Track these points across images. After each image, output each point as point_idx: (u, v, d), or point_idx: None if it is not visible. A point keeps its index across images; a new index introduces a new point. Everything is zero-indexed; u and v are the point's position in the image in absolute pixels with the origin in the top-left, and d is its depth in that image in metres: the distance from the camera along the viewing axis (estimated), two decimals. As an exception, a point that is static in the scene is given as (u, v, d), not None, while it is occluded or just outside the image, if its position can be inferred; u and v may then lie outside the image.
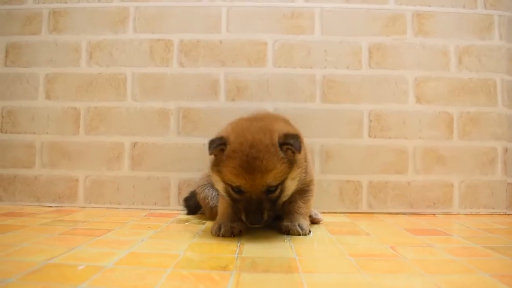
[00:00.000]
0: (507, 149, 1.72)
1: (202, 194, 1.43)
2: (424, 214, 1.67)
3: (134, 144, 1.69)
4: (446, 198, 1.69)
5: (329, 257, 1.04)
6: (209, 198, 1.39)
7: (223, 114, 1.69)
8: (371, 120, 1.69)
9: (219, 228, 1.21)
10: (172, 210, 1.68)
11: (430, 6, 1.74)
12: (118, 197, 1.69)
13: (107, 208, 1.69)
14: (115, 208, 1.69)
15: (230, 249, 1.08)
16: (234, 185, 1.14)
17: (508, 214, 1.71)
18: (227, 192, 1.18)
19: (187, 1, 1.73)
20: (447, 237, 1.28)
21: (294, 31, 1.71)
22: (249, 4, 1.72)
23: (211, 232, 1.25)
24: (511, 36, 1.75)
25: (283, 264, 0.95)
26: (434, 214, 1.69)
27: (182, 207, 1.66)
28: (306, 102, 1.69)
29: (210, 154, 1.19)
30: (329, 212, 1.63)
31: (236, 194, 1.16)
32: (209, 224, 1.42)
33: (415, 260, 0.99)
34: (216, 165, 1.17)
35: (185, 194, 1.69)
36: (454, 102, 1.72)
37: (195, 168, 1.67)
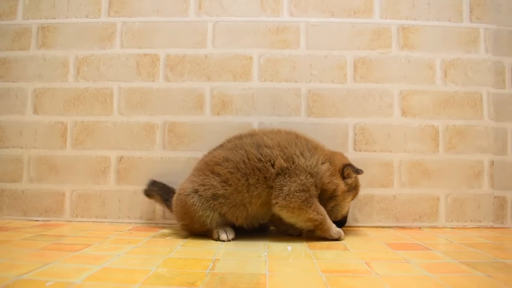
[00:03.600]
0: (493, 162, 1.71)
1: (189, 201, 1.41)
2: (410, 228, 1.66)
3: (120, 158, 1.70)
4: (432, 212, 1.69)
5: (301, 273, 1.04)
6: (198, 206, 1.39)
7: (208, 128, 1.70)
8: (356, 134, 1.69)
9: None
10: (158, 224, 1.68)
11: (415, 20, 1.74)
12: (104, 211, 1.70)
13: (93, 222, 1.70)
14: (101, 222, 1.69)
15: (203, 265, 1.08)
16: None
17: (495, 228, 1.71)
18: (349, 205, 1.52)
19: (173, 16, 1.74)
20: (427, 252, 1.28)
21: (280, 46, 1.72)
22: (235, 19, 1.73)
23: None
24: (497, 49, 1.75)
25: (252, 281, 0.95)
26: (420, 228, 1.68)
27: (163, 220, 1.68)
28: (291, 116, 1.69)
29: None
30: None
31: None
32: (189, 241, 1.42)
33: (386, 277, 0.99)
34: (355, 188, 1.51)
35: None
36: (439, 115, 1.71)
37: (180, 182, 1.66)
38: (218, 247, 1.31)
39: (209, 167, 1.43)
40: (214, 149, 1.50)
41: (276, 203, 1.35)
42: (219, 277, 0.98)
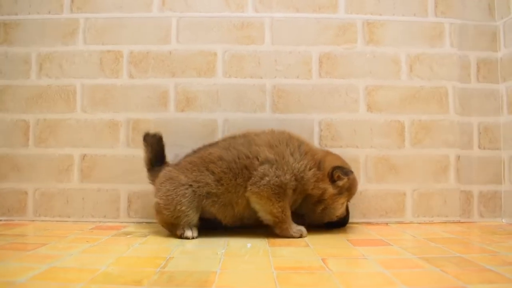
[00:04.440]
0: (459, 156, 1.71)
1: (181, 191, 1.39)
2: (377, 224, 1.66)
3: (84, 156, 1.68)
4: (398, 207, 1.69)
5: (253, 270, 1.03)
6: (186, 201, 1.38)
7: (172, 125, 1.68)
8: (322, 130, 1.69)
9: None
10: (122, 222, 1.66)
11: (381, 15, 1.74)
12: (68, 210, 1.67)
13: (56, 221, 1.67)
14: (65, 221, 1.67)
15: (156, 263, 1.07)
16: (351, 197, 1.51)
17: (462, 222, 1.71)
18: (345, 207, 1.51)
19: (137, 12, 1.72)
20: (387, 247, 1.27)
21: (245, 41, 1.70)
22: (199, 15, 1.71)
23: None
24: (463, 44, 1.75)
25: (201, 278, 0.94)
26: (387, 224, 1.68)
27: (128, 218, 1.69)
28: (256, 112, 1.68)
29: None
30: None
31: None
32: (150, 238, 1.42)
33: (339, 273, 0.98)
34: (348, 190, 1.48)
35: (136, 206, 1.68)
36: (405, 110, 1.71)
37: (145, 180, 1.64)
38: (177, 245, 1.29)
39: (204, 163, 1.41)
40: (210, 145, 1.48)
41: (250, 189, 1.36)
42: (167, 275, 0.96)
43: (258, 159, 1.37)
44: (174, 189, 1.37)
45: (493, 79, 1.77)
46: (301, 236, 1.42)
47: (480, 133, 1.75)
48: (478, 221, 1.74)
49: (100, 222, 1.68)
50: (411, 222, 1.70)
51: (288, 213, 1.38)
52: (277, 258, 1.14)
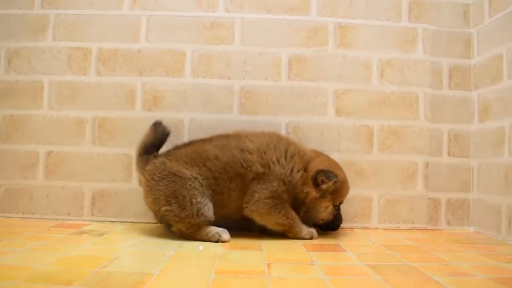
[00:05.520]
0: (428, 163, 1.70)
1: (190, 184, 1.36)
2: (343, 229, 1.63)
3: (49, 153, 1.67)
4: (364, 213, 1.67)
5: (191, 274, 1.02)
6: (199, 192, 1.36)
7: (139, 124, 1.67)
8: (289, 132, 1.68)
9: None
10: (85, 221, 1.65)
11: (353, 18, 1.72)
12: (32, 207, 1.66)
13: (20, 218, 1.66)
14: (29, 218, 1.66)
15: (97, 263, 1.06)
16: (340, 202, 1.52)
17: (429, 230, 1.69)
18: (330, 211, 1.48)
19: (107, 9, 1.71)
20: (340, 253, 1.26)
21: (214, 41, 1.69)
22: (170, 14, 1.70)
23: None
24: (435, 50, 1.73)
25: (135, 280, 0.93)
26: (352, 229, 1.66)
27: (91, 217, 1.69)
28: (223, 113, 1.66)
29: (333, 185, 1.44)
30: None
31: (335, 210, 1.49)
32: (106, 237, 1.40)
33: (277, 279, 0.98)
34: (333, 194, 1.46)
35: (100, 205, 1.67)
36: (375, 115, 1.70)
37: (109, 179, 1.64)
38: (128, 246, 1.28)
39: (201, 159, 1.39)
40: (202, 141, 1.47)
41: (246, 207, 1.38)
42: (103, 276, 0.95)
43: (251, 171, 1.38)
44: (182, 186, 1.34)
45: (465, 87, 1.76)
46: (311, 238, 1.46)
47: (450, 140, 1.73)
48: (445, 229, 1.72)
49: (63, 220, 1.67)
50: (376, 228, 1.69)
51: (294, 216, 1.41)
52: (223, 262, 1.12)
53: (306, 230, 1.42)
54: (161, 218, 1.44)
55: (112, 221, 1.67)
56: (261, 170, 1.38)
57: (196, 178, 1.35)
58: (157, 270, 1.02)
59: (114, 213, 1.66)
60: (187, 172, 1.35)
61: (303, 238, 1.41)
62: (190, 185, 1.33)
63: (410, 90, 1.72)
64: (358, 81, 1.71)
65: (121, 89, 1.69)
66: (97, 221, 1.67)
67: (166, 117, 1.67)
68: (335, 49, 1.72)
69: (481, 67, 1.69)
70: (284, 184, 1.38)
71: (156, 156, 1.42)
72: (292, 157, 1.41)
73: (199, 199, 1.33)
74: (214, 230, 1.39)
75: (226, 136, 1.45)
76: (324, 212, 1.48)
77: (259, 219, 1.40)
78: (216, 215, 1.41)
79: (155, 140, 1.46)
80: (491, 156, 1.59)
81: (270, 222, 1.40)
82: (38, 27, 1.74)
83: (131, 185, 1.66)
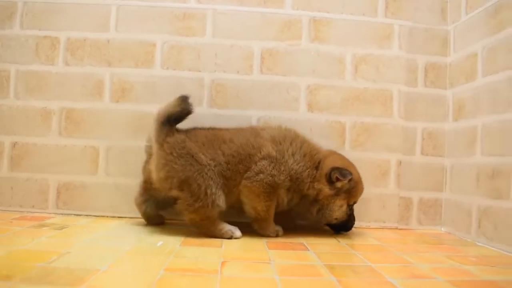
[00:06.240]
0: (401, 162, 1.67)
1: (207, 173, 1.34)
2: (310, 227, 1.60)
3: (15, 144, 1.63)
4: (335, 211, 1.62)
5: (141, 270, 0.99)
6: (213, 182, 1.34)
7: (106, 116, 1.63)
8: (259, 127, 1.62)
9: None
10: (50, 213, 1.62)
11: (328, 12, 1.69)
12: (-4, 199, 1.61)
13: (-16, 210, 1.61)
14: (-8, 210, 1.60)
15: (45, 258, 1.03)
16: (354, 202, 1.50)
17: (400, 229, 1.67)
18: (344, 210, 1.46)
19: (77, -3, 1.65)
20: (302, 252, 1.23)
21: (185, 33, 1.65)
22: (140, 4, 1.67)
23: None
24: (411, 46, 1.70)
25: (78, 276, 0.90)
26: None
27: (56, 210, 1.66)
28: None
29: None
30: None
31: (349, 209, 1.47)
32: (66, 231, 1.36)
33: (227, 278, 0.95)
34: (347, 192, 1.44)
35: (65, 197, 1.63)
36: (348, 112, 1.67)
37: (75, 171, 1.60)
38: (86, 240, 1.26)
39: (218, 141, 1.37)
40: (219, 129, 1.46)
41: (244, 183, 1.37)
42: (47, 271, 0.92)
43: (260, 152, 1.37)
44: (199, 173, 1.32)
45: (440, 85, 1.73)
46: (277, 236, 1.44)
47: (424, 139, 1.71)
48: (416, 229, 1.70)
49: (28, 212, 1.63)
50: (347, 227, 1.64)
51: (272, 212, 1.39)
52: (177, 259, 1.10)
53: (273, 228, 1.42)
54: (165, 198, 1.42)
55: (77, 215, 1.63)
56: (273, 153, 1.36)
57: (210, 165, 1.32)
58: (106, 266, 0.99)
59: (79, 207, 1.63)
60: (203, 157, 1.33)
61: (268, 236, 1.41)
62: (206, 173, 1.31)
63: (385, 87, 1.69)
64: (331, 76, 1.68)
65: (89, 80, 1.66)
66: (62, 214, 1.63)
67: (135, 109, 1.64)
68: (309, 44, 1.68)
69: (456, 65, 1.67)
70: (291, 180, 1.37)
71: (178, 131, 1.37)
72: (305, 155, 1.40)
73: (213, 190, 1.30)
74: (227, 227, 1.38)
75: (241, 128, 1.45)
76: (339, 211, 1.45)
77: (245, 195, 1.38)
78: (228, 202, 1.39)
79: (180, 113, 1.38)
80: (464, 155, 1.57)
81: (252, 203, 1.38)
82: (6, 15, 1.69)
83: (97, 178, 1.63)
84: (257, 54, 1.67)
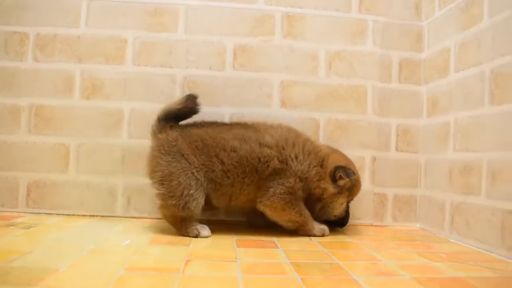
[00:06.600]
0: (375, 158, 1.66)
1: (187, 176, 1.33)
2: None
3: (-17, 142, 1.58)
4: (308, 208, 1.61)
5: (101, 270, 0.97)
6: (195, 184, 1.33)
7: (77, 113, 1.61)
8: (232, 124, 1.61)
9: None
10: (20, 212, 1.59)
11: (301, 8, 1.67)
12: (-36, 197, 1.58)
13: (-48, 209, 1.57)
14: (-39, 209, 1.57)
15: (6, 257, 1.02)
16: (351, 199, 1.50)
17: (374, 225, 1.66)
18: (344, 207, 1.48)
19: (46, -7, 1.62)
20: (271, 250, 1.22)
21: (157, 29, 1.63)
22: (112, -1, 1.62)
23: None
24: (385, 42, 1.69)
25: (36, 276, 0.89)
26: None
27: (27, 208, 1.62)
28: (164, 103, 1.59)
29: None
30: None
31: (347, 206, 1.47)
32: (32, 231, 1.34)
33: (188, 277, 0.94)
34: (349, 190, 1.45)
35: (35, 196, 1.59)
36: (321, 108, 1.65)
37: (46, 169, 1.58)
38: (51, 239, 1.24)
39: (216, 148, 1.35)
40: (223, 125, 1.45)
41: (260, 201, 1.36)
42: (5, 271, 0.91)
43: (268, 167, 1.36)
44: (183, 171, 1.32)
45: (415, 80, 1.72)
46: (323, 235, 1.44)
47: (398, 135, 1.70)
48: (391, 225, 1.69)
49: (-3, 211, 1.58)
50: (321, 224, 1.63)
51: (307, 213, 1.40)
52: (141, 257, 1.08)
53: (317, 227, 1.41)
54: None
55: (48, 214, 1.61)
56: (278, 165, 1.35)
57: (199, 168, 1.32)
58: (66, 266, 0.97)
59: (50, 205, 1.60)
60: (194, 160, 1.33)
61: (314, 235, 1.41)
62: (192, 173, 1.31)
63: (359, 83, 1.68)
64: (305, 72, 1.67)
65: (59, 76, 1.63)
66: (32, 213, 1.61)
67: (105, 106, 1.62)
68: (282, 39, 1.67)
69: (430, 61, 1.66)
70: (301, 180, 1.36)
71: (172, 127, 1.38)
72: (309, 154, 1.39)
73: (191, 192, 1.29)
74: (195, 225, 1.37)
75: (245, 126, 1.42)
76: (339, 208, 1.46)
77: (272, 214, 1.38)
78: (222, 204, 1.41)
79: (181, 111, 1.42)
80: (437, 151, 1.56)
81: (283, 218, 1.39)
82: (-26, 10, 1.64)
83: (68, 176, 1.60)
84: (229, 50, 1.65)
